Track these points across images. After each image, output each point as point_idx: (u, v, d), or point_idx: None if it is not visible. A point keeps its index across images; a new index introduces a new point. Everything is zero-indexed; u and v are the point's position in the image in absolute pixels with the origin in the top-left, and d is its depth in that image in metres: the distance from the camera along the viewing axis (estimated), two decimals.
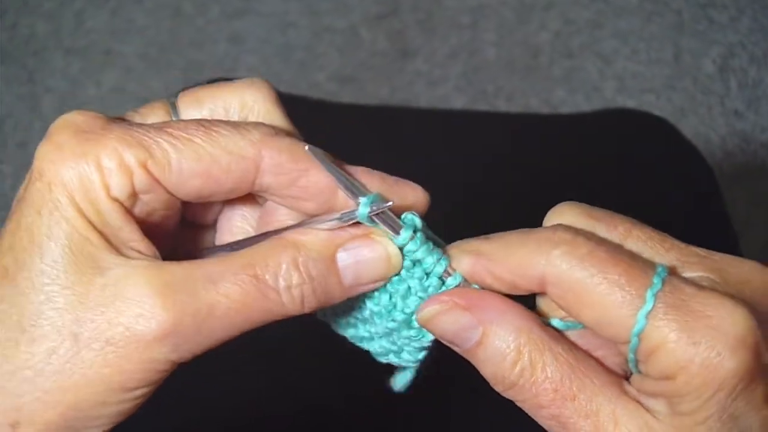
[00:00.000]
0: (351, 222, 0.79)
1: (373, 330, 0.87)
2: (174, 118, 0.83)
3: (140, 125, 0.77)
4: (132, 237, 0.77)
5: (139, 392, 0.75)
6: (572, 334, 0.79)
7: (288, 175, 0.79)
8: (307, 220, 0.81)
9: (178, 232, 0.87)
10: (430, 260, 0.80)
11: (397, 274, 0.81)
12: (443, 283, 0.81)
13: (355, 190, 0.79)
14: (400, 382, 0.89)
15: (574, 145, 1.76)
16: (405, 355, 0.87)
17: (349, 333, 0.89)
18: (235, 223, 0.89)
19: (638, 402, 0.74)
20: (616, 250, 0.73)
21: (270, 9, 3.29)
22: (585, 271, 0.72)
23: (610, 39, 3.20)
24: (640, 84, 3.13)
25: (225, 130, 0.77)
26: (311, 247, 0.77)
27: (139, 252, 0.77)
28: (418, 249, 0.79)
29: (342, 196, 0.81)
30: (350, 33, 3.23)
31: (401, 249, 0.80)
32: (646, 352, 0.71)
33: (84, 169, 0.73)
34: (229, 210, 0.89)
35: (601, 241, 0.74)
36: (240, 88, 0.85)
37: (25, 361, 0.73)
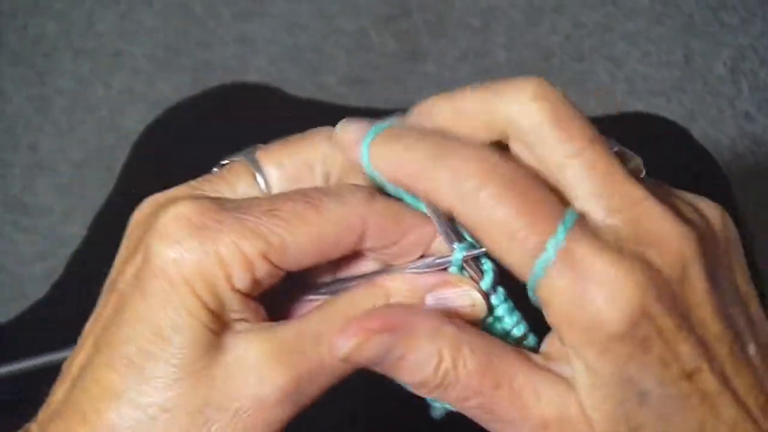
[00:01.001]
0: (439, 268, 0.80)
1: None
2: (259, 181, 0.83)
3: (250, 211, 0.77)
4: (248, 312, 0.78)
5: None
6: None
7: (390, 237, 0.80)
8: (395, 266, 0.82)
9: None
10: (509, 321, 0.80)
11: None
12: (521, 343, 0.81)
13: (452, 235, 0.79)
14: (438, 409, 0.89)
15: None
16: None
17: None
18: None
19: (548, 370, 0.74)
20: (529, 190, 0.72)
21: (279, 11, 3.29)
22: (491, 217, 0.71)
23: (620, 42, 3.20)
24: (650, 86, 3.12)
25: (330, 204, 0.78)
26: (400, 292, 0.79)
27: (248, 321, 0.78)
28: (500, 305, 0.80)
29: (434, 251, 0.81)
30: (360, 35, 3.23)
31: (487, 296, 0.80)
32: (540, 304, 0.72)
33: (206, 267, 0.74)
34: None
35: (515, 178, 0.72)
36: (316, 140, 0.84)
37: None
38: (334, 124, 0.82)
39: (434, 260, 0.80)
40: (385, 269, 0.82)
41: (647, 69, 3.15)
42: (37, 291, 2.77)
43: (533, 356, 0.76)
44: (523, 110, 0.76)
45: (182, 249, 0.74)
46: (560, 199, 0.73)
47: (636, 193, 0.73)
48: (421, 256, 0.82)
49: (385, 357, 0.76)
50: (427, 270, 0.80)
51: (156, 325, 0.74)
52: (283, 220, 0.76)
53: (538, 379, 0.74)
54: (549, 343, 0.78)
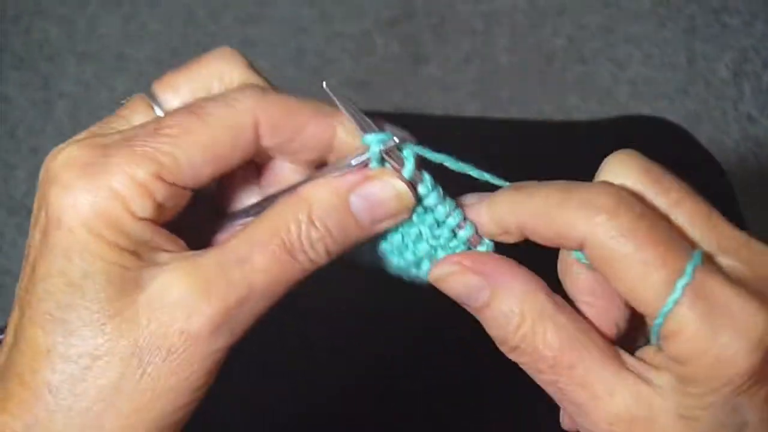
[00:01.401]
0: (362, 165, 0.80)
1: (385, 264, 0.88)
2: (157, 111, 0.83)
3: (136, 136, 0.77)
4: (160, 242, 0.77)
5: (205, 387, 0.76)
6: (580, 275, 0.80)
7: (286, 132, 0.80)
8: (317, 173, 0.82)
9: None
10: (442, 210, 0.81)
11: (409, 219, 0.82)
12: (455, 235, 0.82)
13: (368, 128, 0.80)
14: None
15: (589, 152, 1.75)
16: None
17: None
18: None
19: (636, 375, 0.74)
20: (658, 225, 0.73)
21: (282, 14, 3.29)
22: (623, 246, 0.71)
23: (623, 44, 3.20)
24: (653, 89, 3.12)
25: (216, 109, 0.78)
26: (323, 200, 0.77)
27: (169, 251, 0.77)
28: (429, 193, 0.80)
29: (340, 143, 0.82)
30: (363, 38, 3.23)
31: (413, 185, 0.80)
32: (667, 333, 0.71)
33: (103, 204, 0.74)
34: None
35: (644, 213, 0.73)
36: (211, 62, 0.85)
37: (96, 395, 0.73)
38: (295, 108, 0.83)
39: (352, 159, 0.80)
40: (308, 178, 0.82)
41: (650, 71, 3.15)
42: None
43: (624, 354, 0.77)
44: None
45: (74, 192, 0.74)
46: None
47: (738, 234, 0.75)
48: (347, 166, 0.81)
49: (470, 297, 0.78)
50: (347, 171, 0.80)
51: (67, 275, 0.74)
52: (170, 136, 0.76)
53: (619, 376, 0.74)
54: (644, 348, 0.78)
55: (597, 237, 0.72)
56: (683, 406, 0.72)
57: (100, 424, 0.74)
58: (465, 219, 0.81)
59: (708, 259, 0.73)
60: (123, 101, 0.86)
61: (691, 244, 0.74)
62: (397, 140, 0.79)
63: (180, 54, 3.23)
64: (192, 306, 0.73)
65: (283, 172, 0.86)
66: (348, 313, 1.46)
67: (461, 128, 1.81)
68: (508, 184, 0.82)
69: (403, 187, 0.79)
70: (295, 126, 0.81)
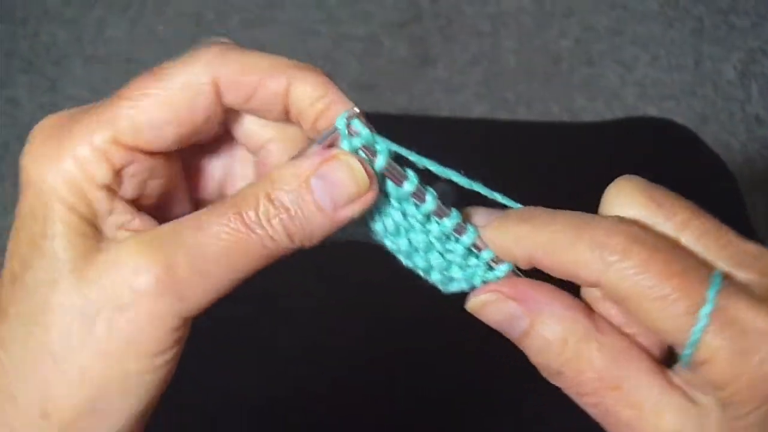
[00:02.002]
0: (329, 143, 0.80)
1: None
2: None
3: (102, 103, 0.79)
4: (125, 219, 0.78)
5: (159, 360, 0.75)
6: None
7: (243, 88, 0.80)
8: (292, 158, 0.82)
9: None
10: (447, 223, 0.80)
11: (406, 215, 0.82)
12: (472, 253, 0.81)
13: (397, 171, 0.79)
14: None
15: (595, 153, 1.76)
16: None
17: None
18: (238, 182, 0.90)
19: (684, 393, 0.74)
20: (672, 256, 0.72)
21: (290, 17, 3.30)
22: (638, 285, 0.71)
23: (630, 46, 3.20)
24: (660, 90, 3.12)
25: (174, 68, 0.79)
26: (282, 178, 0.76)
27: (135, 230, 0.78)
28: (427, 200, 0.80)
29: (296, 99, 0.82)
30: (370, 41, 3.24)
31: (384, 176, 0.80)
32: (698, 361, 0.71)
33: (63, 168, 0.75)
34: (231, 178, 0.90)
35: (657, 246, 0.73)
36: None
37: (43, 349, 0.74)
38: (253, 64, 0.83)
39: (319, 139, 0.80)
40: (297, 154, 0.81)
41: (657, 73, 3.15)
42: None
43: (669, 372, 0.76)
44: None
45: (40, 157, 0.76)
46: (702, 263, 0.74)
47: (752, 248, 0.75)
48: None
49: (510, 325, 0.77)
50: (315, 152, 0.79)
51: (30, 235, 0.75)
52: (128, 98, 0.77)
53: (666, 395, 0.74)
54: (690, 374, 0.77)
55: (611, 278, 0.72)
56: (727, 426, 0.72)
57: (45, 381, 0.74)
58: (465, 223, 0.81)
59: (726, 278, 0.72)
60: None
61: (707, 266, 0.73)
62: (357, 110, 0.79)
63: None
64: (140, 263, 0.72)
65: (272, 161, 0.86)
66: (351, 313, 1.47)
67: (467, 130, 1.81)
68: (519, 206, 0.82)
69: (357, 164, 0.78)
70: (251, 82, 0.80)
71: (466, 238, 0.80)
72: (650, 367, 0.75)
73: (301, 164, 0.77)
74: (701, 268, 0.73)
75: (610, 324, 0.78)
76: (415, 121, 1.86)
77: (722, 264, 0.74)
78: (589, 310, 0.77)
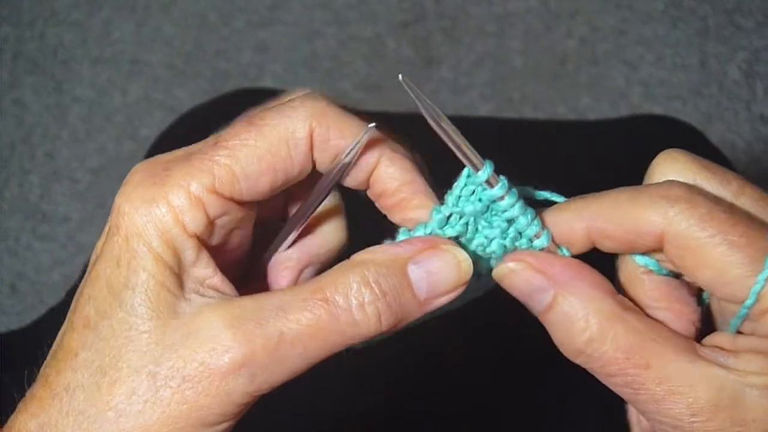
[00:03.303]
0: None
1: None
2: None
3: (198, 150, 0.78)
4: (207, 273, 0.78)
5: (219, 428, 0.75)
6: (646, 282, 0.81)
7: (335, 151, 0.80)
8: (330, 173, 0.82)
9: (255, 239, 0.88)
10: (523, 220, 0.81)
11: (493, 238, 0.82)
12: (531, 244, 0.82)
13: (473, 155, 0.80)
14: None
15: (602, 150, 1.76)
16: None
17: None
18: None
19: (714, 363, 0.75)
20: (734, 210, 0.74)
21: (295, 18, 3.30)
22: (705, 231, 0.73)
23: (636, 46, 3.19)
24: (666, 90, 3.11)
25: (274, 119, 0.78)
26: (380, 263, 0.76)
27: (214, 289, 0.78)
28: (515, 204, 0.80)
29: (375, 180, 0.82)
30: (376, 41, 3.24)
31: (502, 199, 0.80)
32: (759, 311, 0.73)
33: (156, 214, 0.75)
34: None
35: (718, 200, 0.75)
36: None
37: (107, 403, 0.74)
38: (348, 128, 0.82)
39: (344, 156, 0.80)
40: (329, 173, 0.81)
41: (663, 73, 3.15)
42: (55, 297, 2.78)
43: (696, 345, 0.77)
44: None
45: (135, 200, 0.75)
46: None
47: None
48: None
49: (533, 297, 0.78)
50: (405, 240, 0.80)
51: (111, 282, 0.75)
52: (227, 148, 0.77)
53: (697, 367, 0.75)
54: (719, 336, 0.79)
55: (678, 227, 0.73)
56: None
57: None
58: (543, 228, 0.81)
59: None
60: None
61: (764, 223, 0.75)
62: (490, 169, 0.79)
63: (193, 58, 3.24)
64: (216, 340, 0.73)
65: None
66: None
67: (474, 128, 1.81)
68: (564, 199, 0.83)
69: (465, 256, 0.79)
70: (344, 146, 0.80)
71: (540, 241, 0.81)
72: (678, 342, 0.76)
73: (400, 251, 0.78)
74: (761, 222, 0.75)
75: (634, 303, 0.79)
76: (422, 119, 1.86)
77: None
78: (614, 290, 0.78)
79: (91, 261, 0.79)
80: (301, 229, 0.86)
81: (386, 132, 0.82)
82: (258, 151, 0.77)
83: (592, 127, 2.09)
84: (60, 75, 3.26)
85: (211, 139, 0.79)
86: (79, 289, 0.78)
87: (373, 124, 0.78)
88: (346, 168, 0.80)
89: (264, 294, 0.76)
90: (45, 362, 0.78)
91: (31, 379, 0.79)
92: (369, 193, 0.85)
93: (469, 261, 0.79)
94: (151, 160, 0.79)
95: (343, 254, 0.88)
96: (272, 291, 0.77)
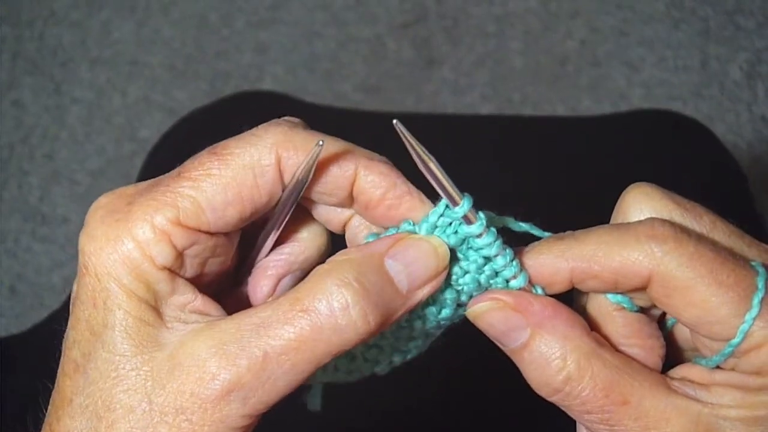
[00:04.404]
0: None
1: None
2: None
3: (161, 182, 0.77)
4: (186, 299, 0.77)
5: None
6: (617, 319, 0.81)
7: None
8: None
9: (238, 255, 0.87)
10: (501, 261, 0.79)
11: (467, 272, 0.81)
12: (507, 284, 0.81)
13: (453, 190, 0.78)
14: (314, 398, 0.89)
15: (607, 146, 1.75)
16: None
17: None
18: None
19: (686, 396, 0.75)
20: (718, 247, 0.75)
21: (295, 19, 3.29)
22: (694, 271, 0.73)
23: (637, 46, 3.19)
24: (667, 91, 3.11)
25: (238, 148, 0.77)
26: (356, 262, 0.75)
27: (198, 312, 0.77)
28: (493, 244, 0.79)
29: (359, 191, 0.80)
30: (376, 42, 3.23)
31: (478, 237, 0.79)
32: (746, 348, 0.73)
33: (123, 251, 0.74)
34: None
35: (700, 237, 0.75)
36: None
37: None
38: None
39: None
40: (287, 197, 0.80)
41: (664, 74, 3.15)
42: (55, 299, 2.78)
43: (667, 378, 0.78)
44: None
45: (99, 238, 0.75)
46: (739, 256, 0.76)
47: (765, 246, 0.78)
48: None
49: (509, 336, 0.77)
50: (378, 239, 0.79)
51: (91, 324, 0.75)
52: (190, 179, 0.76)
53: (671, 401, 0.75)
54: (688, 369, 0.79)
55: (666, 267, 0.73)
56: (752, 415, 0.74)
57: None
58: (521, 269, 0.80)
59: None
60: None
61: (744, 258, 0.76)
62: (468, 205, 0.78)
63: (193, 59, 3.23)
64: (202, 368, 0.72)
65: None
66: None
67: (475, 128, 1.81)
68: (548, 234, 0.82)
69: (439, 241, 0.78)
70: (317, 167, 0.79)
71: (517, 282, 0.80)
72: (652, 377, 0.77)
73: (373, 248, 0.77)
74: (743, 258, 0.75)
75: (607, 340, 0.79)
76: (422, 120, 1.86)
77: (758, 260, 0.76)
78: (588, 328, 0.78)
79: (71, 303, 0.78)
80: (273, 241, 0.85)
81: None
82: (223, 180, 0.76)
83: (595, 122, 2.08)
84: (59, 76, 3.26)
85: (175, 171, 0.78)
86: (65, 333, 0.78)
87: (322, 142, 0.75)
88: (302, 185, 0.78)
89: (243, 313, 0.75)
90: (48, 407, 0.78)
91: (35, 413, 0.80)
92: (356, 209, 0.83)
93: (445, 246, 0.78)
94: (113, 193, 0.78)
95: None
96: (251, 309, 0.75)
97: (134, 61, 3.27)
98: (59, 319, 0.80)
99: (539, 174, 1.58)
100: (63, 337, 0.78)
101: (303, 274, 0.87)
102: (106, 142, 3.11)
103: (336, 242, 0.88)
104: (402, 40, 3.23)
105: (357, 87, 3.13)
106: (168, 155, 0.79)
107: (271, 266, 0.87)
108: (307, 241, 0.87)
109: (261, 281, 0.87)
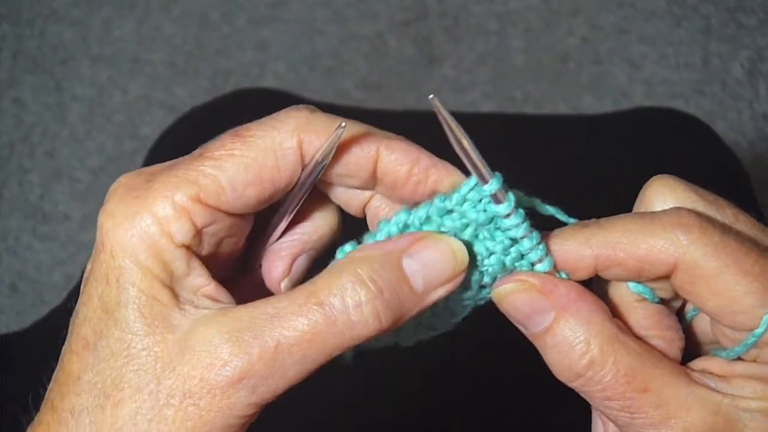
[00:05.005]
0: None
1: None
2: None
3: (182, 161, 0.77)
4: (200, 282, 0.77)
5: None
6: (638, 310, 0.81)
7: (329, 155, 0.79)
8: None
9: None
10: (527, 243, 0.79)
11: (493, 252, 0.81)
12: (532, 267, 0.81)
13: (484, 167, 0.78)
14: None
15: (605, 144, 1.75)
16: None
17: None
18: None
19: (707, 387, 0.75)
20: (743, 238, 0.75)
21: (296, 16, 3.29)
22: (720, 260, 0.73)
23: (638, 44, 3.19)
24: (668, 89, 3.11)
25: (260, 131, 0.78)
26: (374, 259, 0.75)
27: (209, 297, 0.77)
28: (520, 225, 0.79)
29: (383, 171, 0.81)
30: (377, 40, 3.23)
31: (509, 216, 0.79)
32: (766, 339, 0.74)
33: (141, 227, 0.74)
34: None
35: (725, 228, 0.75)
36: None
37: (112, 426, 0.73)
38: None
39: (318, 154, 0.78)
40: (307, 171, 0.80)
41: (665, 71, 3.14)
42: (56, 297, 2.78)
43: (687, 370, 0.78)
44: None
45: (118, 215, 0.75)
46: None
47: None
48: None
49: (532, 319, 0.77)
50: (397, 237, 0.79)
51: (104, 301, 0.75)
52: (212, 159, 0.76)
53: (692, 391, 0.75)
54: (707, 361, 0.79)
55: (692, 255, 0.73)
56: None
57: None
58: (547, 253, 0.80)
59: None
60: None
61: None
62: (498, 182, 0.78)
63: (194, 57, 3.23)
64: (214, 354, 0.72)
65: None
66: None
67: (474, 125, 1.81)
68: (574, 221, 0.82)
69: (459, 245, 0.78)
70: (339, 149, 0.79)
71: (542, 266, 0.80)
72: (673, 367, 0.77)
73: (392, 246, 0.77)
74: (765, 249, 0.75)
75: (629, 328, 0.79)
76: (423, 117, 1.85)
77: None
78: (611, 315, 0.77)
79: (83, 281, 0.78)
80: (287, 223, 0.85)
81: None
82: (245, 161, 0.76)
83: (596, 121, 2.08)
84: (60, 74, 3.25)
85: (196, 151, 0.78)
86: (75, 311, 0.77)
87: (344, 124, 0.76)
88: (321, 167, 0.78)
89: (258, 302, 0.75)
90: (49, 386, 0.78)
91: (37, 401, 0.79)
92: (381, 190, 0.83)
93: (465, 250, 0.78)
94: (133, 173, 0.78)
95: (338, 241, 0.87)
96: (267, 298, 0.75)
97: (135, 59, 3.26)
98: (59, 315, 0.80)
99: (540, 172, 1.58)
100: (63, 334, 0.78)
101: (317, 253, 0.88)
102: (106, 140, 3.11)
103: (348, 220, 0.89)
104: (403, 37, 3.23)
105: (358, 84, 3.13)
106: (168, 152, 0.78)
107: (284, 247, 0.87)
108: (319, 220, 0.88)
109: (276, 262, 0.87)
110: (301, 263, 0.88)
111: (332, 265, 0.76)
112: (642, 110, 2.37)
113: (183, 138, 1.72)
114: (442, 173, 0.81)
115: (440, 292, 0.78)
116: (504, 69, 3.17)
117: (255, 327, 0.73)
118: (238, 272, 0.89)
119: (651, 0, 3.26)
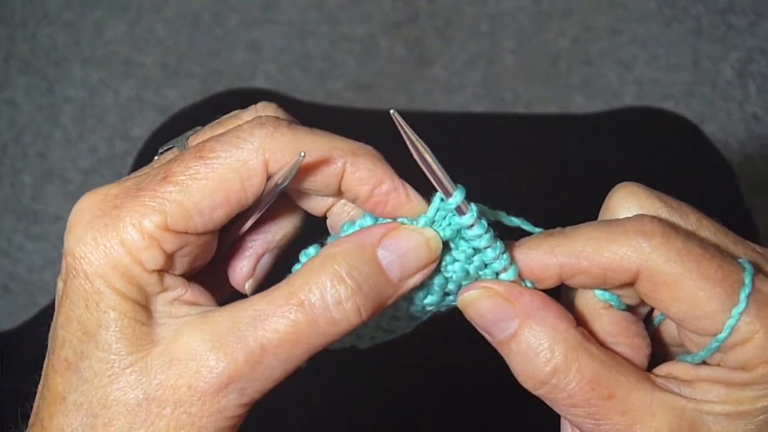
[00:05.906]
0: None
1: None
2: None
3: (147, 185, 0.76)
4: (177, 293, 0.78)
5: None
6: (605, 317, 0.82)
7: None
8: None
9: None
10: (491, 253, 0.80)
11: (457, 260, 0.82)
12: (497, 276, 0.81)
13: (447, 181, 0.79)
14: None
15: (595, 144, 1.76)
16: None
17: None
18: None
19: (670, 392, 0.76)
20: (706, 243, 0.75)
21: (288, 18, 3.30)
22: (682, 266, 0.73)
23: (629, 45, 3.20)
24: (659, 90, 3.12)
25: (223, 151, 0.77)
26: (349, 254, 0.76)
27: (188, 303, 0.78)
28: (483, 236, 0.80)
29: (348, 185, 0.80)
30: (368, 41, 3.24)
31: (470, 228, 0.79)
32: (732, 343, 0.74)
33: (113, 256, 0.74)
34: None
35: (689, 234, 0.76)
36: (245, 117, 0.84)
37: None
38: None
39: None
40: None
41: (656, 72, 3.15)
42: (48, 297, 2.78)
43: (651, 375, 0.79)
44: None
45: (89, 241, 0.74)
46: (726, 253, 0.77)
47: (756, 246, 0.79)
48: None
49: (497, 326, 0.78)
50: (371, 226, 0.80)
51: (84, 324, 0.75)
52: (176, 183, 0.76)
53: (656, 396, 0.76)
54: (672, 366, 0.80)
55: (654, 263, 0.74)
56: (736, 410, 0.75)
57: None
58: (511, 263, 0.81)
59: (756, 266, 0.76)
60: (161, 151, 0.86)
61: (731, 254, 0.76)
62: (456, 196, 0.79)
63: (186, 58, 3.23)
64: (200, 361, 0.73)
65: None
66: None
67: (467, 126, 1.81)
68: (539, 230, 0.83)
69: (432, 233, 0.79)
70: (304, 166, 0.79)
71: (507, 274, 0.81)
72: (638, 373, 0.77)
73: (365, 239, 0.78)
74: (729, 254, 0.76)
75: (594, 335, 0.80)
76: (414, 117, 1.85)
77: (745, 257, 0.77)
78: (575, 322, 0.78)
79: (57, 302, 0.78)
80: (250, 225, 0.85)
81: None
82: (210, 185, 0.76)
83: (587, 121, 2.09)
84: (52, 75, 3.25)
85: (160, 172, 0.77)
86: (52, 331, 0.78)
87: (303, 154, 0.76)
88: (282, 188, 0.78)
89: (238, 304, 0.75)
90: (36, 402, 0.78)
91: (25, 412, 0.80)
92: (345, 199, 0.84)
93: (437, 237, 0.79)
94: (98, 193, 0.77)
95: (300, 238, 0.87)
96: (245, 300, 0.76)
97: (127, 61, 3.27)
98: (50, 315, 0.80)
99: (531, 172, 1.58)
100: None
101: (280, 251, 0.88)
102: (98, 141, 3.11)
103: (311, 218, 0.89)
104: (394, 39, 3.23)
105: (349, 85, 3.14)
106: (157, 154, 0.79)
107: (249, 246, 0.87)
108: (283, 220, 0.88)
109: (240, 262, 0.87)
110: (265, 262, 0.88)
111: (308, 263, 0.77)
112: (631, 110, 2.38)
113: (173, 138, 1.72)
114: (402, 199, 0.81)
115: (416, 278, 0.79)
116: (495, 70, 3.17)
117: (237, 331, 0.73)
118: (207, 263, 0.88)
119: (642, 1, 3.27)
